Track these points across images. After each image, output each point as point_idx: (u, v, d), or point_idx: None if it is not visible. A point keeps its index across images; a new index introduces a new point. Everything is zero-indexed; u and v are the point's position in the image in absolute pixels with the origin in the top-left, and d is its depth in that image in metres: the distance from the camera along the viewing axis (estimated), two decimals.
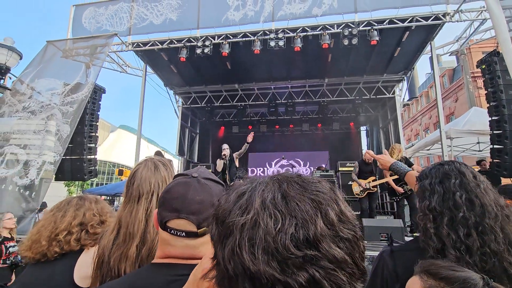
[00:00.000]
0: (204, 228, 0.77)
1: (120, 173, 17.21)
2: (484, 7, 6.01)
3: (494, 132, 5.43)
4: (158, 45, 7.51)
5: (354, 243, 0.42)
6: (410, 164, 6.06)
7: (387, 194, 8.16)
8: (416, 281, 0.76)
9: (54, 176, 6.23)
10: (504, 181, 5.70)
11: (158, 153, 6.98)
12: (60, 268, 1.32)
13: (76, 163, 6.84)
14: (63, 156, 6.18)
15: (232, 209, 0.45)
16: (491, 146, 5.53)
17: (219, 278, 0.45)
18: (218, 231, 0.46)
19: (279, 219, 0.40)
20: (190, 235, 0.77)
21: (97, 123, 7.33)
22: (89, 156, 7.00)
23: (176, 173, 1.05)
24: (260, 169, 12.83)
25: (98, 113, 7.40)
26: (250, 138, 6.06)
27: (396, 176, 5.78)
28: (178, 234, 0.77)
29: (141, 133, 8.27)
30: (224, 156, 6.19)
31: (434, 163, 1.28)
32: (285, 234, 0.39)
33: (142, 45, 7.59)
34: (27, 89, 6.44)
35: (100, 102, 7.42)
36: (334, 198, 0.45)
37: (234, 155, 6.34)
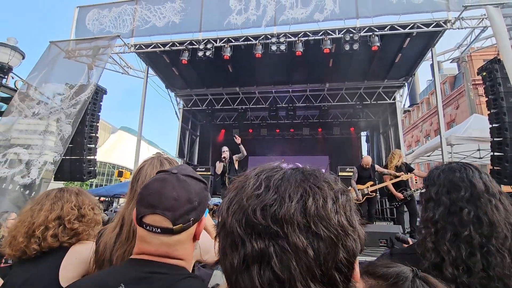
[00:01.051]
0: (180, 225, 0.76)
1: (120, 174, 17.18)
2: (485, 14, 6.03)
3: (495, 139, 5.41)
4: (160, 48, 7.56)
5: (330, 245, 0.41)
6: (410, 169, 6.05)
7: (386, 199, 8.13)
8: (360, 282, 0.79)
9: (53, 176, 6.22)
10: (505, 188, 5.68)
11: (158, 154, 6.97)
12: (44, 268, 1.24)
13: (75, 164, 6.83)
14: (63, 156, 6.18)
15: (244, 175, 0.52)
16: (492, 153, 5.51)
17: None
18: (228, 196, 0.52)
19: (261, 189, 0.45)
20: (165, 231, 0.75)
21: (98, 124, 7.33)
22: (88, 157, 6.99)
23: None
24: None
25: (99, 114, 7.41)
26: (237, 140, 6.08)
27: (395, 180, 5.79)
28: (154, 230, 0.75)
29: (142, 134, 8.28)
30: (223, 159, 6.18)
31: (445, 164, 1.17)
32: (260, 202, 0.43)
33: (144, 47, 7.64)
34: (35, 94, 6.46)
35: (101, 103, 7.43)
36: (327, 195, 0.45)
37: (234, 157, 6.32)
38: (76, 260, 1.26)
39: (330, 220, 0.43)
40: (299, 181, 0.45)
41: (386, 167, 6.18)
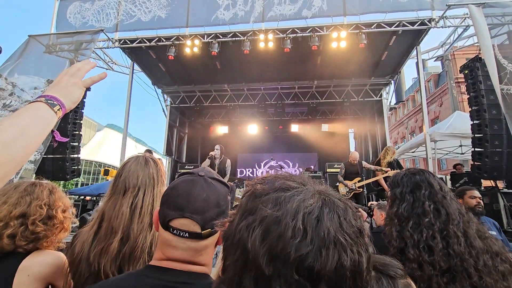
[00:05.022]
0: (208, 230, 0.74)
1: (106, 173, 16.69)
2: (467, 14, 6.19)
3: (476, 135, 5.57)
4: (146, 43, 7.37)
5: None
6: (400, 167, 6.16)
7: (374, 195, 8.28)
8: None
9: (34, 175, 5.99)
10: (485, 183, 5.89)
11: (148, 151, 6.89)
12: None
13: (58, 162, 6.59)
14: (44, 154, 5.95)
15: (269, 194, 0.47)
16: (473, 149, 5.68)
17: (227, 231, 0.49)
18: (246, 203, 0.49)
19: (298, 235, 0.41)
20: (193, 236, 0.73)
21: (81, 121, 7.09)
22: (72, 155, 6.76)
23: (166, 172, 1.02)
24: (249, 170, 12.79)
25: (82, 111, 7.16)
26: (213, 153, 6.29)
27: (387, 174, 5.89)
28: (181, 234, 0.73)
29: (129, 132, 8.10)
30: (211, 155, 6.14)
31: (405, 170, 1.41)
32: (295, 251, 0.40)
33: (129, 42, 7.43)
34: (6, 85, 6.15)
35: (84, 100, 7.18)
36: (361, 251, 0.44)
37: (228, 165, 6.29)
38: (29, 278, 1.08)
39: (362, 276, 0.43)
40: (336, 229, 0.43)
41: (378, 162, 6.23)
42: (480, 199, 2.87)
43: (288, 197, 0.46)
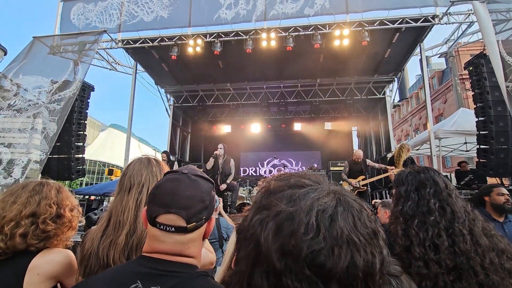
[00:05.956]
0: (193, 224, 0.77)
1: (110, 172, 16.87)
2: (471, 10, 6.13)
3: (481, 132, 5.53)
4: (148, 43, 7.40)
5: None
6: (414, 164, 6.11)
7: (378, 193, 8.25)
8: None
9: (40, 175, 6.06)
10: (490, 180, 5.84)
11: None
12: (5, 276, 1.06)
13: (63, 162, 6.68)
14: (50, 155, 6.02)
15: (283, 191, 0.47)
16: (478, 146, 5.64)
17: (241, 225, 0.50)
18: (261, 199, 0.50)
19: (311, 232, 0.41)
20: (179, 230, 0.76)
21: (85, 122, 7.16)
22: (76, 155, 6.84)
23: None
24: (252, 169, 12.80)
25: (87, 111, 7.23)
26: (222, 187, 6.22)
27: (385, 175, 5.86)
28: (168, 229, 0.76)
29: (133, 132, 8.15)
30: (215, 155, 6.16)
31: (409, 168, 1.40)
32: (307, 248, 0.40)
33: (132, 43, 7.47)
34: (12, 86, 6.23)
35: (88, 100, 7.25)
36: (375, 252, 0.43)
37: (232, 164, 6.31)
38: (39, 276, 1.10)
39: (374, 278, 0.42)
40: (349, 229, 0.42)
41: (391, 160, 6.14)
42: (509, 196, 2.76)
43: (302, 194, 0.46)
